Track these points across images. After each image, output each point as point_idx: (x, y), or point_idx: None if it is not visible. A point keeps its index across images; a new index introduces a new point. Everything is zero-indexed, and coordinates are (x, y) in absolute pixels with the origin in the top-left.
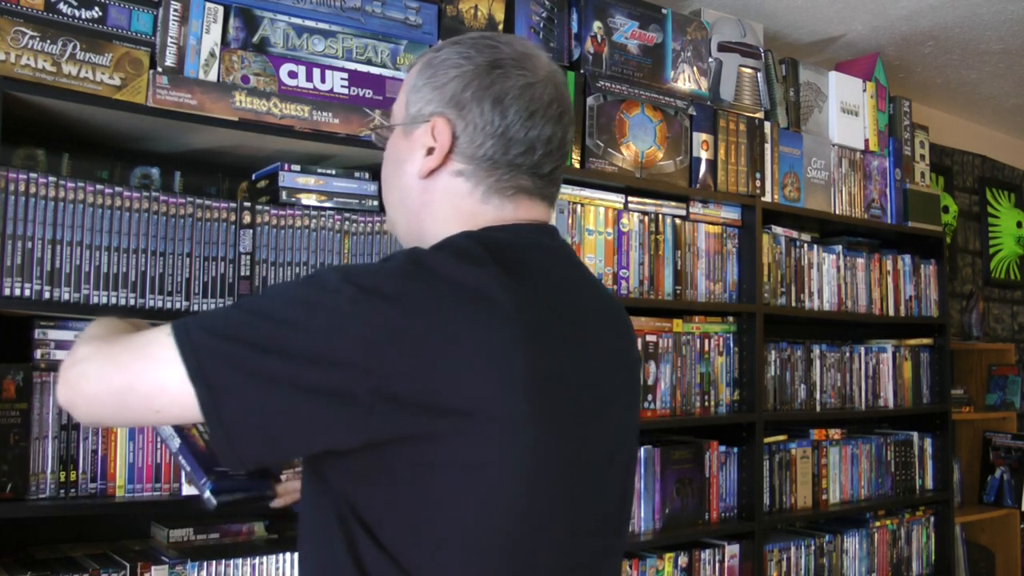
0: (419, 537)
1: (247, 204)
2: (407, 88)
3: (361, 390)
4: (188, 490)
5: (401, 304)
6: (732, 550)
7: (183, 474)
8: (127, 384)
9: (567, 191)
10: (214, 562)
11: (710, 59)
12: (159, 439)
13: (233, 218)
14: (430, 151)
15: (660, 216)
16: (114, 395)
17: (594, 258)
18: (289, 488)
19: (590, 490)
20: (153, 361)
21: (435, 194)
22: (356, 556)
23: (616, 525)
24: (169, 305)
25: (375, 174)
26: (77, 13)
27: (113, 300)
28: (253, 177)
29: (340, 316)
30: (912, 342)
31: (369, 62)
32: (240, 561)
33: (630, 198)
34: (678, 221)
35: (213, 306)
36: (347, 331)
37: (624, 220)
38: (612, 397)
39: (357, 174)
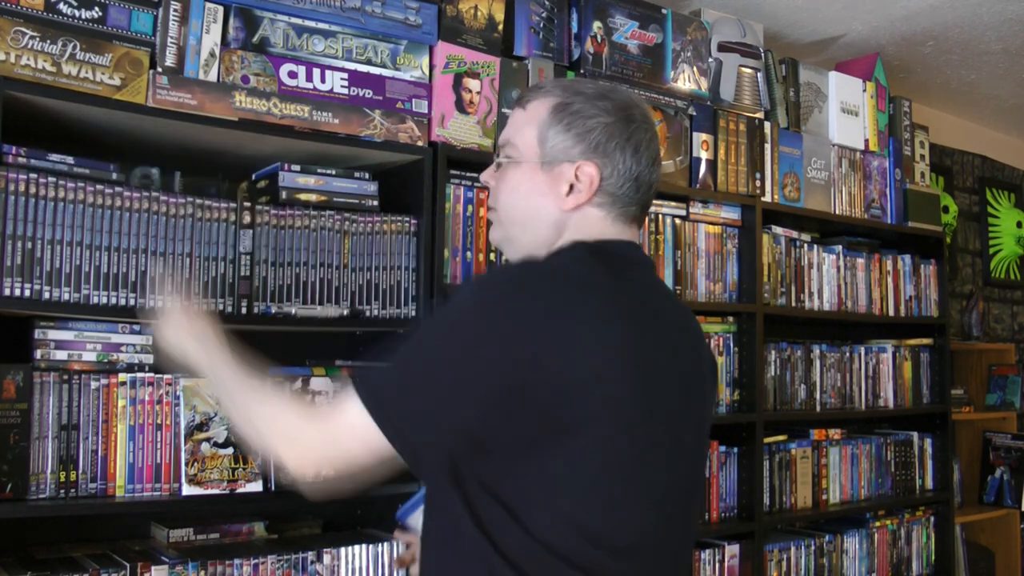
0: (548, 504)
1: (247, 204)
2: (539, 126)
3: (508, 389)
4: (188, 490)
5: (537, 305)
6: (732, 550)
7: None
8: (343, 453)
9: None
10: (214, 562)
11: (710, 59)
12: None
13: (233, 218)
14: (570, 188)
15: (660, 216)
16: (333, 460)
17: None
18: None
19: (677, 471)
20: (355, 432)
21: (571, 219)
22: (488, 530)
23: (694, 506)
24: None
25: (375, 174)
26: (77, 13)
27: (113, 300)
28: (253, 177)
29: (483, 331)
30: (912, 342)
31: (369, 62)
32: (240, 561)
33: None
34: (678, 221)
35: (213, 306)
36: (490, 342)
37: None
38: (692, 390)
39: (357, 174)
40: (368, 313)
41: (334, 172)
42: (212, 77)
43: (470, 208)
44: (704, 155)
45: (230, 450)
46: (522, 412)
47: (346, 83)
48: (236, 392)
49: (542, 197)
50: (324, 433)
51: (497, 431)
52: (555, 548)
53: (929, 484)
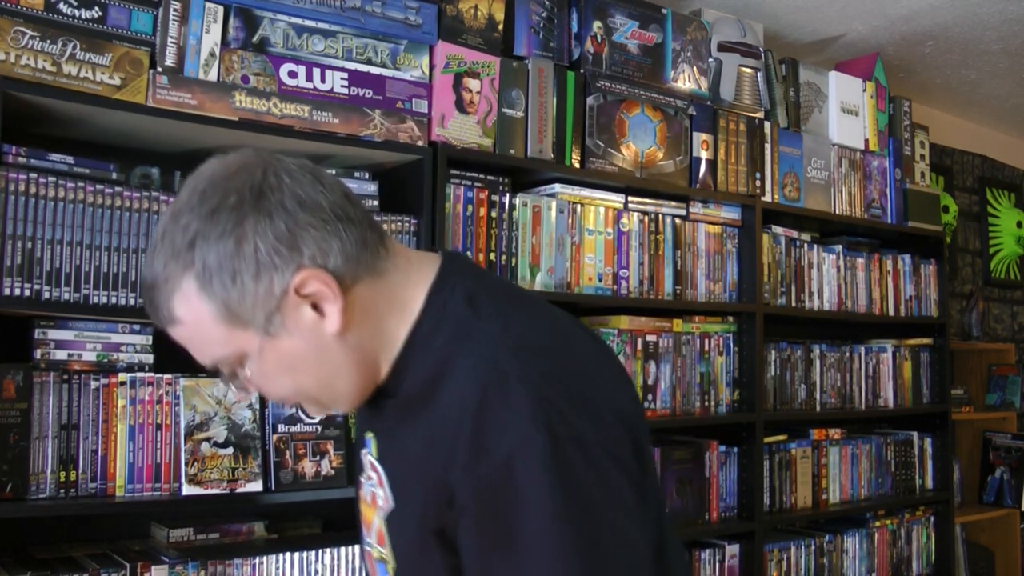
0: None
1: None
2: (213, 317)
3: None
4: (188, 490)
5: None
6: (732, 550)
7: None
8: None
9: (567, 191)
10: (214, 562)
11: (710, 59)
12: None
13: None
14: (315, 307)
15: (660, 216)
16: None
17: (594, 258)
18: None
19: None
20: None
21: (364, 327)
22: None
23: None
24: None
25: (375, 174)
26: (77, 13)
27: (113, 300)
28: None
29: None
30: (912, 342)
31: (369, 62)
32: (240, 561)
33: (630, 198)
34: (678, 221)
35: None
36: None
37: (624, 220)
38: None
39: (357, 174)
40: None
41: (334, 172)
42: (212, 77)
43: (470, 208)
44: (704, 155)
45: (230, 450)
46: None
47: (346, 83)
48: None
49: (308, 351)
50: None
51: None
52: None
53: (929, 484)
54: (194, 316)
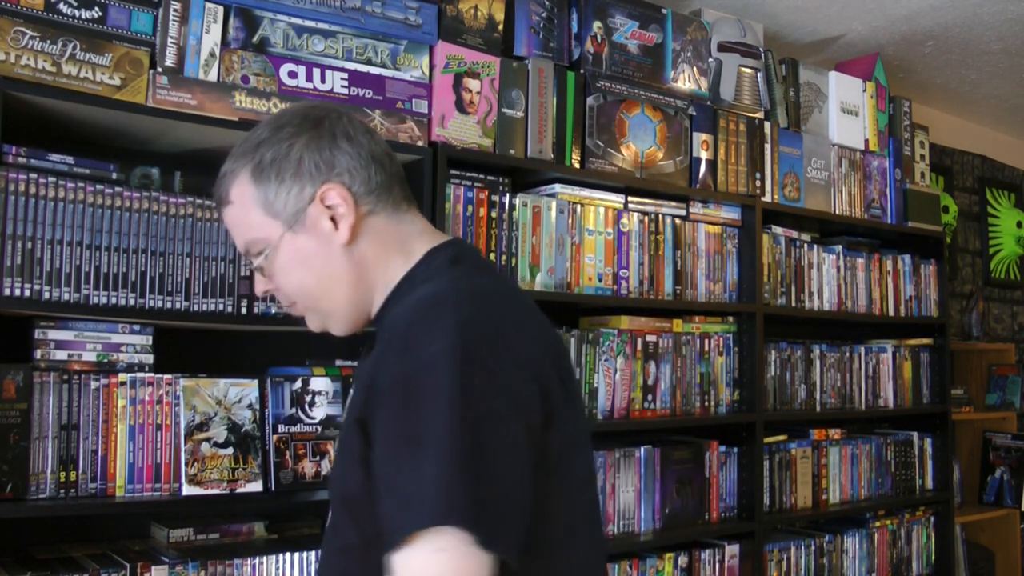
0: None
1: None
2: (256, 204)
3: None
4: (188, 490)
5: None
6: (732, 550)
7: None
8: None
9: (567, 191)
10: (214, 562)
11: (710, 59)
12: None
13: None
14: (332, 221)
15: (660, 216)
16: None
17: (594, 258)
18: None
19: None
20: None
21: (364, 249)
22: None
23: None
24: (169, 305)
25: None
26: (77, 13)
27: (113, 300)
28: None
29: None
30: (912, 342)
31: (369, 62)
32: (240, 561)
33: (630, 198)
34: (678, 221)
35: (212, 306)
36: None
37: (624, 220)
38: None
39: None
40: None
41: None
42: (212, 77)
43: (470, 208)
44: (704, 155)
45: (230, 450)
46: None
47: (346, 83)
48: None
49: (319, 254)
50: None
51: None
52: None
53: (929, 484)
54: (241, 199)
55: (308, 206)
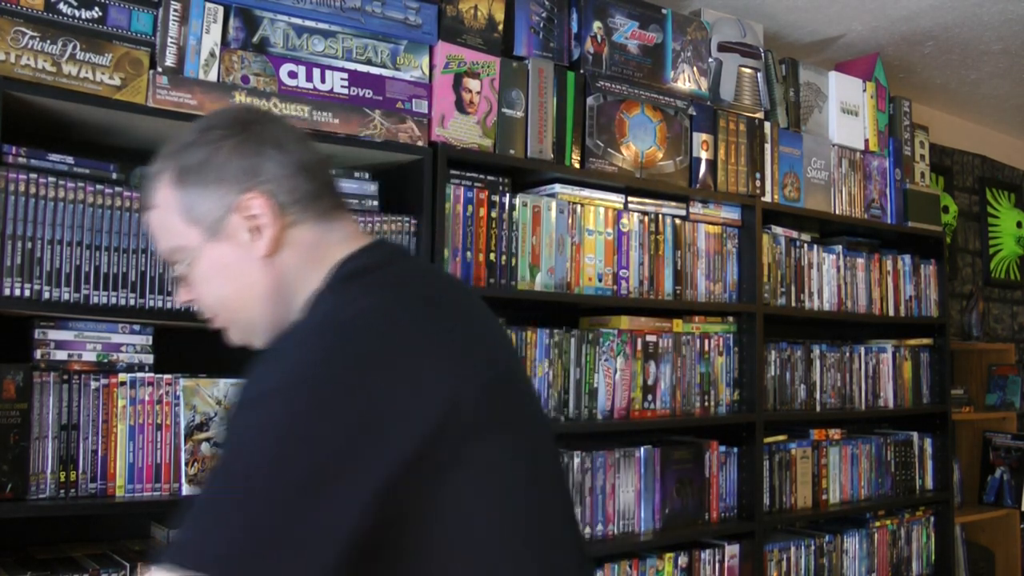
0: None
1: None
2: (176, 210)
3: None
4: (188, 490)
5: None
6: (732, 550)
7: None
8: None
9: (567, 191)
10: None
11: (710, 59)
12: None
13: None
14: (255, 230)
15: (660, 216)
16: None
17: (594, 258)
18: None
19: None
20: None
21: (284, 262)
22: None
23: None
24: (169, 305)
25: (375, 174)
26: (77, 13)
27: (113, 300)
28: None
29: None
30: (912, 342)
31: (369, 62)
32: None
33: (630, 198)
34: (678, 221)
35: None
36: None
37: (624, 220)
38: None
39: (357, 174)
40: None
41: (334, 172)
42: (212, 77)
43: (470, 208)
44: (704, 155)
45: None
46: None
47: (346, 83)
48: None
49: (238, 265)
50: None
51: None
52: None
53: (929, 484)
54: (164, 203)
55: (229, 214)
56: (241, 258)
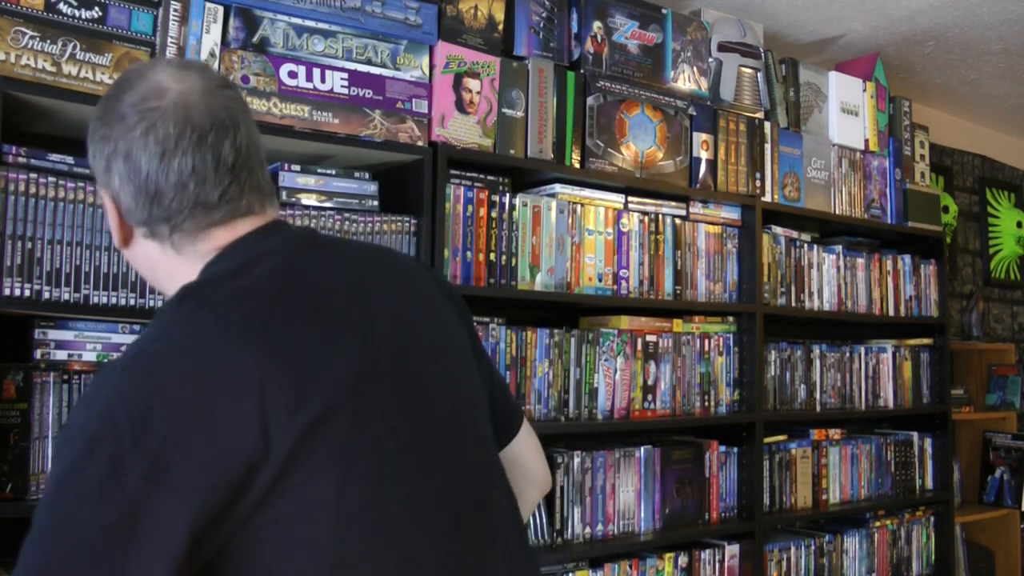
0: None
1: None
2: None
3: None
4: None
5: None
6: (732, 550)
7: None
8: None
9: (567, 191)
10: None
11: (710, 59)
12: None
13: None
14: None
15: (660, 216)
16: None
17: (594, 258)
18: None
19: (436, 458)
20: None
21: (141, 259)
22: None
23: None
24: None
25: (375, 174)
26: (77, 13)
27: (113, 300)
28: None
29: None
30: (912, 342)
31: (369, 62)
32: None
33: (630, 198)
34: (678, 221)
35: None
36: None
37: (624, 220)
38: (417, 352)
39: (357, 174)
40: None
41: (334, 172)
42: None
43: (470, 208)
44: (704, 155)
45: None
46: None
47: (346, 83)
48: None
49: (114, 236)
50: None
51: None
52: None
53: (929, 484)
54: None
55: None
56: (112, 231)
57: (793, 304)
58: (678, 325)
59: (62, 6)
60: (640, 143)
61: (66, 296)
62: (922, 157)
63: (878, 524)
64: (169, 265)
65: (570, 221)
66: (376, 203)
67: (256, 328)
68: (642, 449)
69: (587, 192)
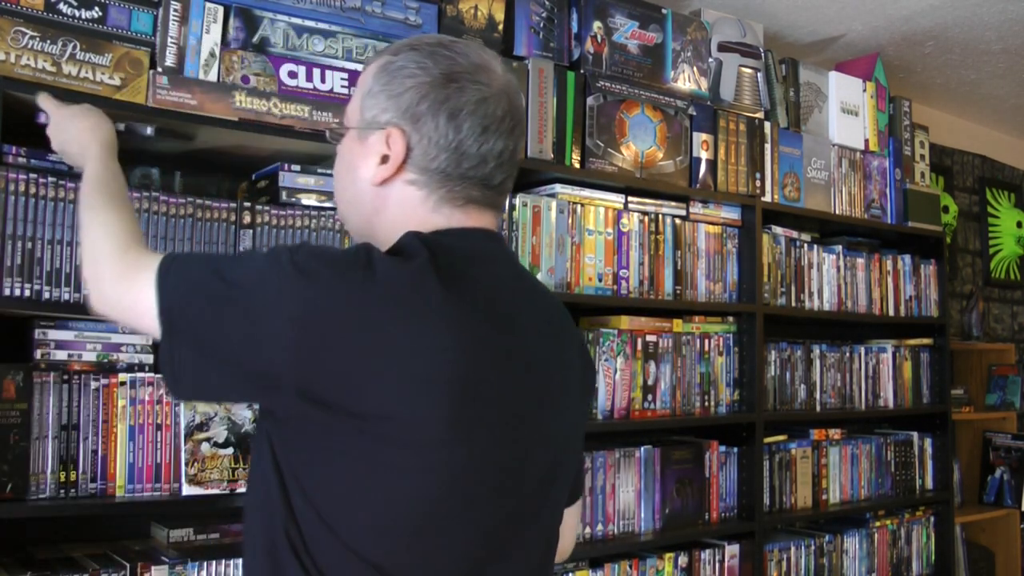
0: (339, 510)
1: (247, 204)
2: (362, 91)
3: (283, 382)
4: (188, 490)
5: (332, 293)
6: (732, 550)
7: None
8: (121, 298)
9: (567, 191)
10: (214, 562)
11: (710, 59)
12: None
13: (233, 218)
14: (384, 159)
15: (660, 216)
16: (112, 301)
17: (594, 258)
18: None
19: (512, 491)
20: (141, 290)
21: (388, 200)
22: (287, 521)
23: (535, 522)
24: None
25: None
26: (77, 13)
27: None
28: (253, 177)
29: (276, 296)
30: (912, 342)
31: None
32: (240, 561)
33: (630, 198)
34: (678, 221)
35: None
36: (280, 314)
37: (624, 220)
38: (544, 402)
39: None
40: None
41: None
42: (212, 77)
43: None
44: (704, 155)
45: (230, 450)
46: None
47: (346, 83)
48: (96, 191)
49: (356, 171)
50: (121, 293)
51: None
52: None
53: (929, 484)
54: (361, 82)
55: (377, 131)
56: (360, 168)
57: (793, 304)
58: (678, 325)
59: (62, 6)
60: (640, 143)
61: (66, 296)
62: (922, 157)
63: (878, 524)
64: (413, 214)
65: (570, 221)
66: None
67: (465, 311)
68: (642, 449)
69: (587, 192)
